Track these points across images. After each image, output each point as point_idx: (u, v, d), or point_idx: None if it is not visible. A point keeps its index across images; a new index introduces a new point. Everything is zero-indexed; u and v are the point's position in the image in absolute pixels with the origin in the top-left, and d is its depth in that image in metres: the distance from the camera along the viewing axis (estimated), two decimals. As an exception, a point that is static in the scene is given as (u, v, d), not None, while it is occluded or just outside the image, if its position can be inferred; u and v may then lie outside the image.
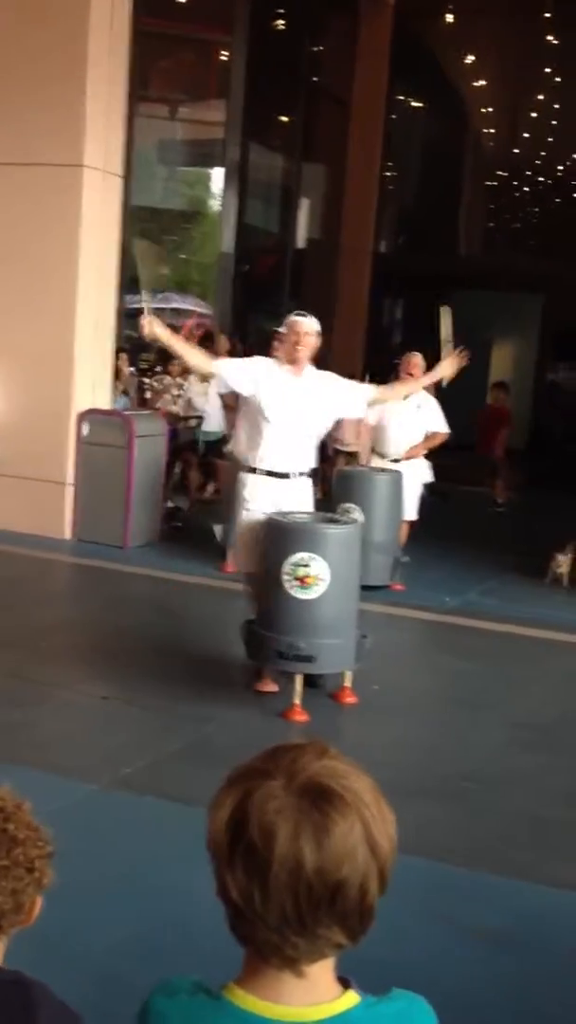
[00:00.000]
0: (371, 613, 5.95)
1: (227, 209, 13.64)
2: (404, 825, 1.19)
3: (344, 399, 5.31)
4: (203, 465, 10.37)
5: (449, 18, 17.34)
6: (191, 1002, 1.20)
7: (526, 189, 23.79)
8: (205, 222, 14.96)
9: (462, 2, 17.05)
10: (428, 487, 7.97)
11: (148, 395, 10.78)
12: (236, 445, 6.61)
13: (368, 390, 5.55)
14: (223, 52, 13.71)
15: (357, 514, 6.55)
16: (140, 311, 5.40)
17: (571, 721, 5.23)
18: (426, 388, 7.77)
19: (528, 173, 23.10)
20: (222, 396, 10.47)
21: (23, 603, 6.60)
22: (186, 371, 10.57)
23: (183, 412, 10.15)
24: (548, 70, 18.85)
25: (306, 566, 4.61)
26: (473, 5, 16.94)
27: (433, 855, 3.50)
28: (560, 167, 22.33)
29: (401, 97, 18.36)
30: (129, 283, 10.08)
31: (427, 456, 7.91)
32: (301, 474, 5.23)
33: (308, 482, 5.29)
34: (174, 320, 12.61)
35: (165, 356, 11.55)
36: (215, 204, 14.22)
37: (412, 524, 7.85)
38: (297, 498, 5.17)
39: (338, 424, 6.43)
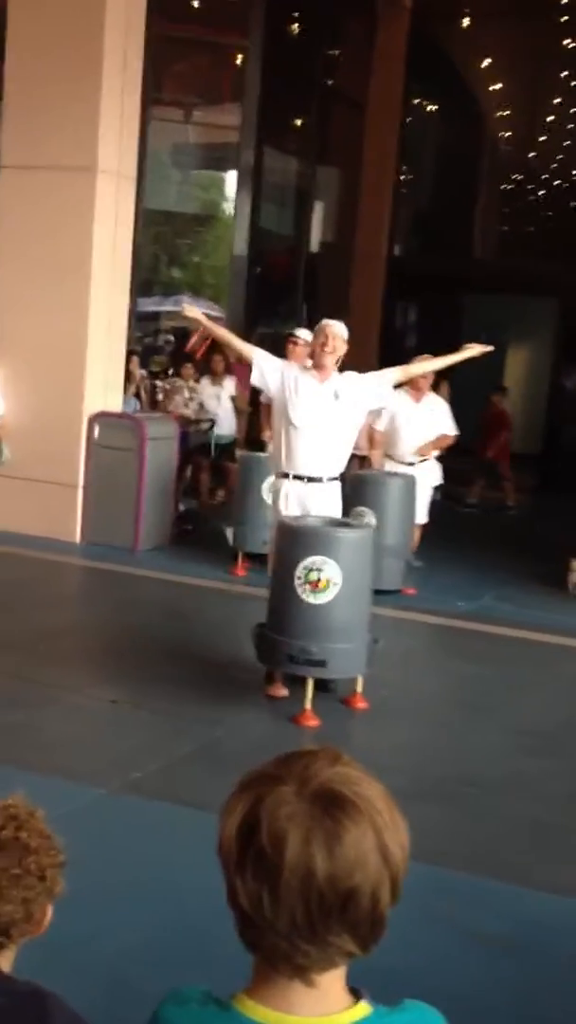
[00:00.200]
0: (383, 617, 5.93)
1: (241, 212, 13.62)
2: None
3: (371, 392, 5.35)
4: (214, 468, 10.37)
5: (466, 22, 17.37)
6: (202, 1012, 1.18)
7: (541, 193, 23.73)
8: (219, 225, 14.97)
9: (479, 6, 17.06)
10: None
11: (160, 397, 10.79)
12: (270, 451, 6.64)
13: (393, 372, 5.59)
14: (238, 56, 13.72)
15: (370, 518, 6.53)
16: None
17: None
18: (439, 392, 7.73)
19: (544, 177, 23.05)
20: (233, 400, 10.50)
21: (32, 606, 6.59)
22: (198, 374, 10.59)
23: (195, 415, 10.15)
24: (564, 74, 18.85)
25: (318, 570, 4.59)
26: (490, 9, 16.95)
27: (431, 860, 3.47)
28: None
29: (417, 100, 18.35)
30: (141, 286, 10.09)
31: (438, 459, 7.94)
32: (331, 479, 5.25)
33: (337, 486, 5.31)
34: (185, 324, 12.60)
35: (177, 359, 11.57)
36: (229, 207, 14.20)
37: (424, 527, 7.86)
38: (325, 502, 5.18)
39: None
